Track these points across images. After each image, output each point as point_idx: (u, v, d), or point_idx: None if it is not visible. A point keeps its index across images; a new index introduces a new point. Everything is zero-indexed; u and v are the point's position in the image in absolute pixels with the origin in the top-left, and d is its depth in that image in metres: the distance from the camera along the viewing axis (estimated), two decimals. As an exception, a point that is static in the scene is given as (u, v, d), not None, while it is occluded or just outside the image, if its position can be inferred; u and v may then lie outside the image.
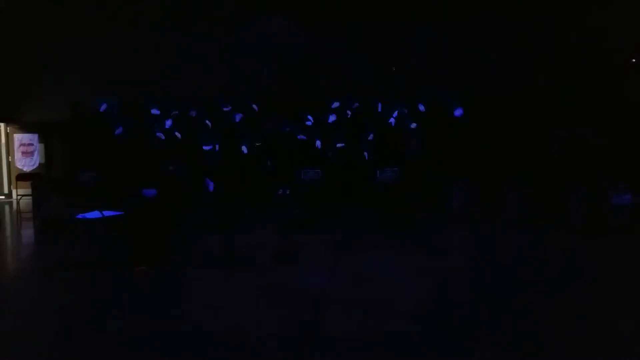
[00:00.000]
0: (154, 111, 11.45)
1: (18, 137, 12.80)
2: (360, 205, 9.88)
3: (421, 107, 10.97)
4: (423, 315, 3.95)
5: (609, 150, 9.70)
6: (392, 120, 11.09)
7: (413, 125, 11.02)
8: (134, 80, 11.59)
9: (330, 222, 8.54)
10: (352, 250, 6.41)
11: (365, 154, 11.14)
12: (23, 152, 12.79)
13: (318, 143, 11.18)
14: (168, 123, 11.47)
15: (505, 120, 10.40)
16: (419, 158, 10.76)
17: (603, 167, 9.36)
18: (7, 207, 11.31)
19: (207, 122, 11.44)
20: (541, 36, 10.79)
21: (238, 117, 11.36)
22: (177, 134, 11.45)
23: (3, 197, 12.72)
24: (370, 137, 11.15)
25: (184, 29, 11.71)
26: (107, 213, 6.09)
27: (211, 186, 6.96)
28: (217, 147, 11.33)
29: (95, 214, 6.12)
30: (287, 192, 10.29)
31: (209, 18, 11.33)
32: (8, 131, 12.88)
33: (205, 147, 11.21)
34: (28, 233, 8.18)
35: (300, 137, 11.20)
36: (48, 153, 12.84)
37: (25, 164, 12.75)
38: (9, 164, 12.85)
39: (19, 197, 9.78)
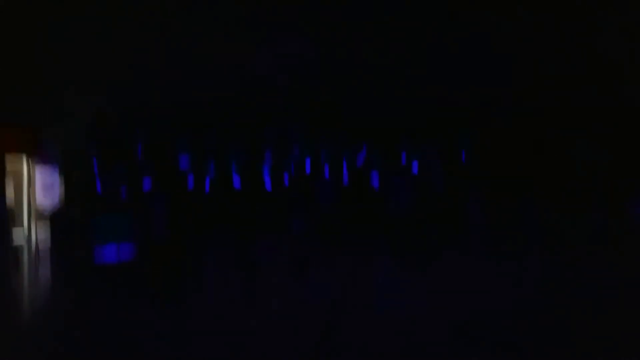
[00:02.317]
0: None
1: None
2: (375, 228, 9.79)
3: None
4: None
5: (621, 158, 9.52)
6: None
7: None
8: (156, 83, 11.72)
9: (344, 244, 8.68)
10: (365, 270, 6.66)
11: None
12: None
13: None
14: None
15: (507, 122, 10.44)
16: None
17: (620, 177, 9.17)
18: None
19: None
20: (541, 36, 10.79)
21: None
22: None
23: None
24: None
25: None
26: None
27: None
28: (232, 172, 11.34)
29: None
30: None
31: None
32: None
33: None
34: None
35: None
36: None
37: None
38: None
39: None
